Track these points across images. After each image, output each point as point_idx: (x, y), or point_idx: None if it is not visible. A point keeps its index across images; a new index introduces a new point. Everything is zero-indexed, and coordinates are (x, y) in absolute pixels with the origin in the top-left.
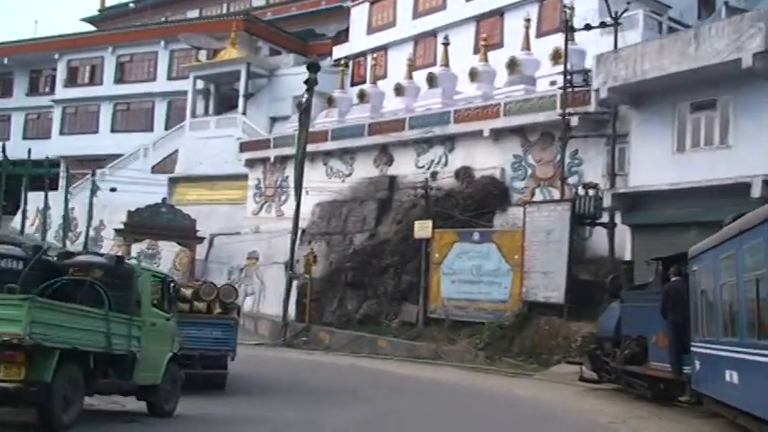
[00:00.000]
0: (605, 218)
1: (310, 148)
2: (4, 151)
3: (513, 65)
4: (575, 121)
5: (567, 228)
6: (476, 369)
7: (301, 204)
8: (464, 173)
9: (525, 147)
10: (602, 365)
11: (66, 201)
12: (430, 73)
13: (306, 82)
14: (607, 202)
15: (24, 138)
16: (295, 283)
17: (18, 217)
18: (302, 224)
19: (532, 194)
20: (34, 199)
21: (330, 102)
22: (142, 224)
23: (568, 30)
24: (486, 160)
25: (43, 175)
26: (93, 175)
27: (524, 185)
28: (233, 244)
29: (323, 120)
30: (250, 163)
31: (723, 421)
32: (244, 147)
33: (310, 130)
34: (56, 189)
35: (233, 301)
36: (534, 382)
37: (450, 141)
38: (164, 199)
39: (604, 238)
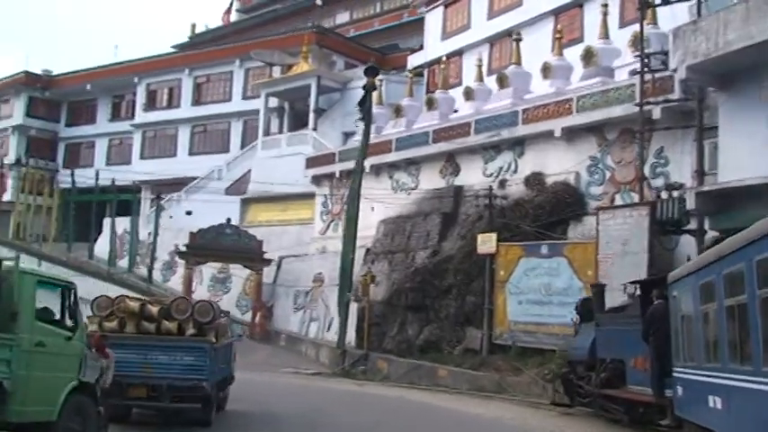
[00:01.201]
0: (693, 224)
1: (375, 160)
2: (72, 177)
3: (588, 56)
4: (657, 113)
5: (645, 236)
6: (539, 405)
7: (367, 221)
8: (534, 179)
9: (602, 147)
10: (575, 389)
11: (134, 225)
12: (500, 73)
13: (364, 87)
14: (691, 203)
15: (108, 164)
16: (355, 306)
17: (101, 243)
18: (367, 242)
19: (612, 201)
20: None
21: (398, 111)
22: (206, 246)
23: (646, 6)
24: (559, 164)
25: (129, 201)
26: (159, 199)
27: (602, 191)
28: (300, 265)
29: (390, 130)
30: (317, 180)
31: None
32: (310, 163)
33: (375, 141)
34: (138, 214)
35: (210, 320)
36: (599, 421)
37: (519, 146)
38: (228, 219)
39: (694, 249)
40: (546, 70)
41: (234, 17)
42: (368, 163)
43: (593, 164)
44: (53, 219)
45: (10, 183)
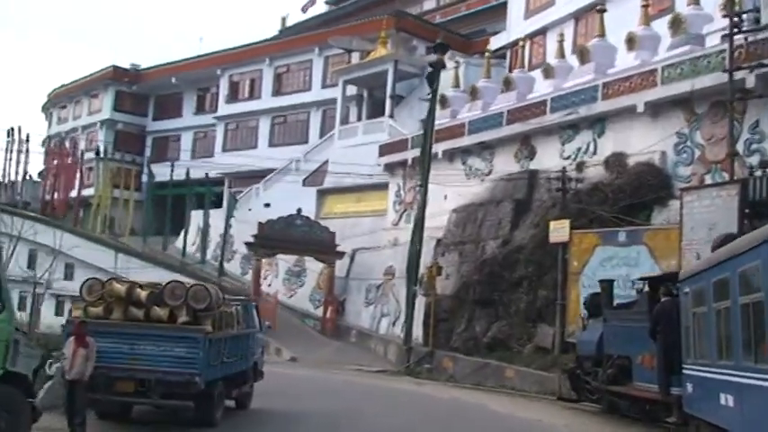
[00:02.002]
0: None
1: (447, 145)
2: (149, 171)
3: (676, 23)
4: (751, 80)
5: (735, 220)
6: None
7: (439, 210)
8: (615, 160)
9: (691, 122)
10: (582, 384)
11: (206, 218)
12: (581, 47)
13: (431, 65)
14: None
15: (193, 157)
16: (424, 300)
17: (181, 237)
18: (438, 234)
19: (701, 183)
20: (197, 218)
21: (473, 93)
22: (274, 237)
23: None
24: (643, 143)
25: (204, 194)
26: (236, 192)
27: (691, 172)
28: (372, 258)
29: (465, 114)
30: (390, 168)
31: None
32: (383, 150)
33: (448, 125)
34: (220, 207)
35: (206, 307)
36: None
37: (599, 124)
38: (299, 210)
39: None
40: (631, 41)
41: (323, 9)
42: (440, 148)
43: (681, 141)
44: (129, 211)
45: (100, 176)
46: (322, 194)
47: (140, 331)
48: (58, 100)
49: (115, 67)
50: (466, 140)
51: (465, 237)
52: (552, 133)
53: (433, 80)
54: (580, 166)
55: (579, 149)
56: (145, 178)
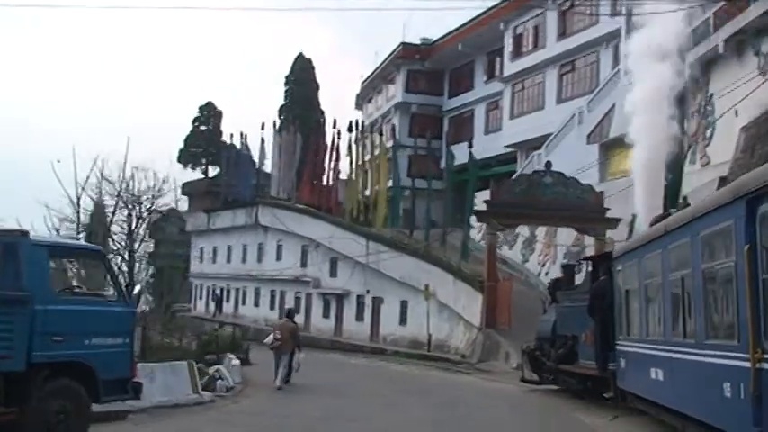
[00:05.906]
0: None
1: (729, 30)
2: (448, 154)
3: None
4: None
5: None
6: None
7: (728, 135)
8: None
9: None
10: (542, 366)
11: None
12: None
13: None
14: None
15: (486, 133)
16: None
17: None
18: (723, 169)
19: None
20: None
21: None
22: (513, 203)
23: None
24: None
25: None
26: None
27: None
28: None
29: None
30: None
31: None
32: None
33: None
34: None
35: None
36: None
37: None
38: (548, 164)
39: None
40: None
41: None
42: (721, 37)
43: None
44: (377, 205)
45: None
46: (606, 150)
47: None
48: (366, 93)
49: (404, 44)
50: (752, 12)
51: (751, 165)
52: None
53: None
54: None
55: None
56: (443, 164)
